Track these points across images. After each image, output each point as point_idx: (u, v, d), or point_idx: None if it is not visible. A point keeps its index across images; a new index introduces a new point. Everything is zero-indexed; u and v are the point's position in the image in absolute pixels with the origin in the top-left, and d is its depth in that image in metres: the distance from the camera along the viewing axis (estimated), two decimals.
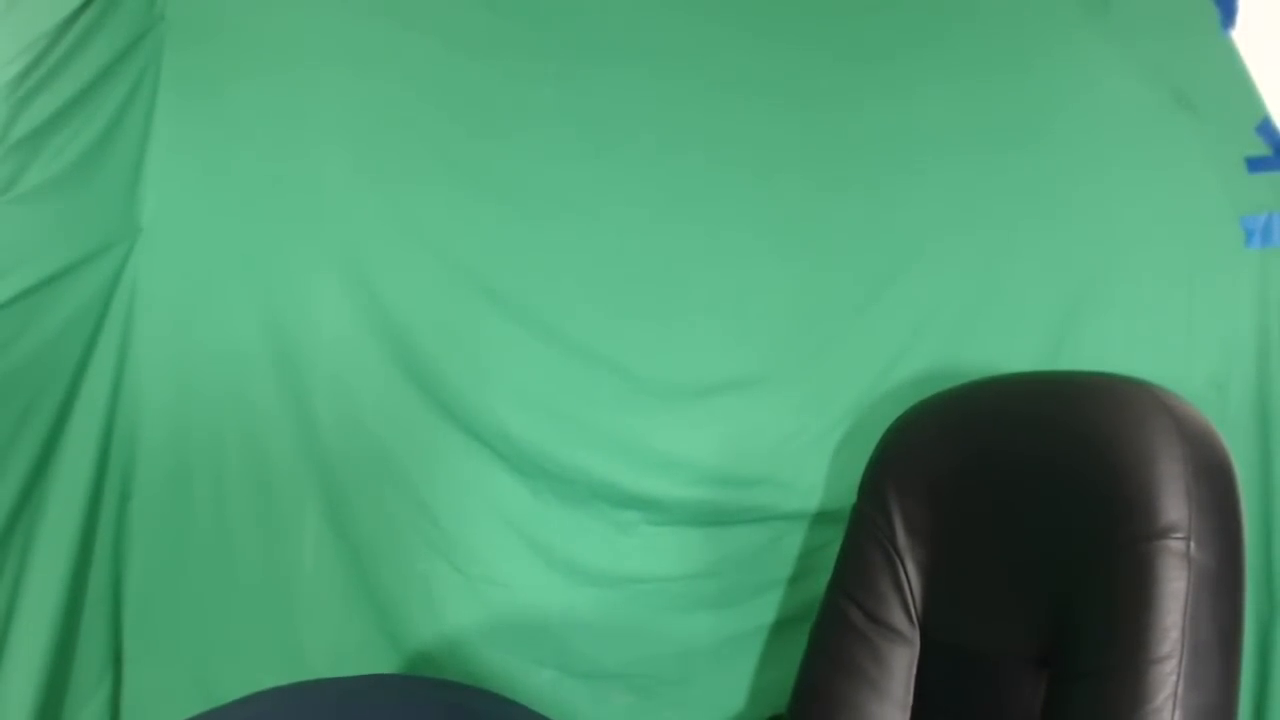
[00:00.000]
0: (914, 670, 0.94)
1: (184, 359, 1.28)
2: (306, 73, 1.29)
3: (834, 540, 1.17)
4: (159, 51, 1.28)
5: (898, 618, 0.96)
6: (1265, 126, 1.15)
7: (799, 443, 1.24)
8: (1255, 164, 1.15)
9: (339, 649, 1.25)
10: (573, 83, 1.29)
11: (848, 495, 1.12)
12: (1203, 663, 0.73)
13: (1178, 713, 0.71)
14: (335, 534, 1.26)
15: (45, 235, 1.16)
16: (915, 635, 0.95)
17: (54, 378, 1.19)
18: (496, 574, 1.25)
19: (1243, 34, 1.17)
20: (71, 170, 1.18)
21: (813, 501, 1.23)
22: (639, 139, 1.28)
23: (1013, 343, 1.19)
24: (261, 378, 1.27)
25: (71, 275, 1.19)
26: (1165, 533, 0.76)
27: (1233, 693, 0.74)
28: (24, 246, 1.14)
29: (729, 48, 1.28)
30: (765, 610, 1.25)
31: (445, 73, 1.29)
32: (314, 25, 1.29)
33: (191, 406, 1.28)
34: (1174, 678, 0.72)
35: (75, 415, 1.22)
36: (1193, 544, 0.76)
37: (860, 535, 1.02)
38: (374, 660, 1.25)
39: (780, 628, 1.24)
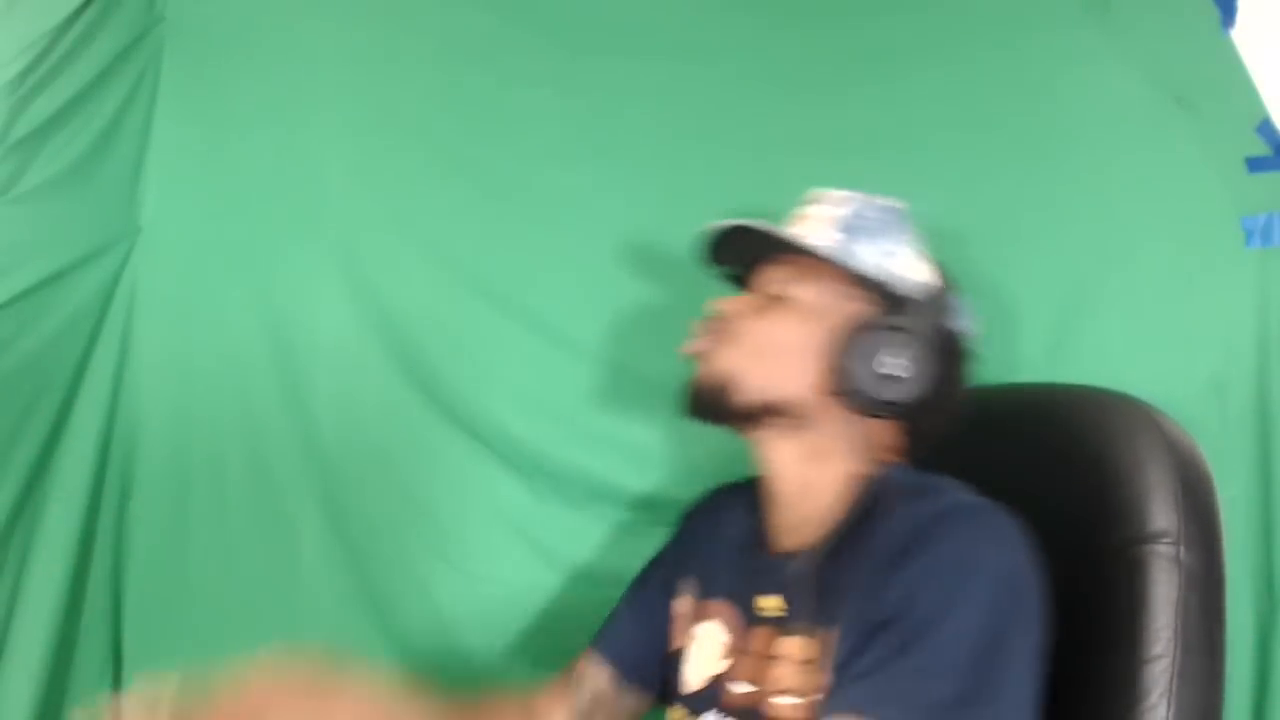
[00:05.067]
0: None
1: (184, 359, 1.28)
2: (306, 73, 1.29)
3: None
4: (159, 52, 1.28)
5: None
6: (1265, 126, 1.15)
7: None
8: (1255, 164, 1.15)
9: (339, 649, 1.25)
10: (572, 82, 1.29)
11: None
12: (1193, 660, 0.74)
13: (1171, 709, 0.72)
14: (335, 534, 1.26)
15: (45, 235, 1.17)
16: None
17: (54, 377, 1.20)
18: (496, 574, 1.25)
19: (1243, 33, 1.17)
20: (71, 170, 1.18)
21: None
22: (639, 139, 1.28)
23: (1012, 343, 1.19)
24: (261, 377, 1.28)
25: (71, 275, 1.19)
26: (1156, 538, 0.77)
27: (1220, 688, 0.75)
28: (24, 246, 1.14)
29: (729, 47, 1.27)
30: None
31: (444, 73, 1.29)
32: (314, 26, 1.29)
33: (191, 406, 1.28)
34: (1167, 676, 0.73)
35: (75, 415, 1.22)
36: (1182, 548, 0.77)
37: None
38: (374, 660, 1.24)
39: None
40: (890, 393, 0.82)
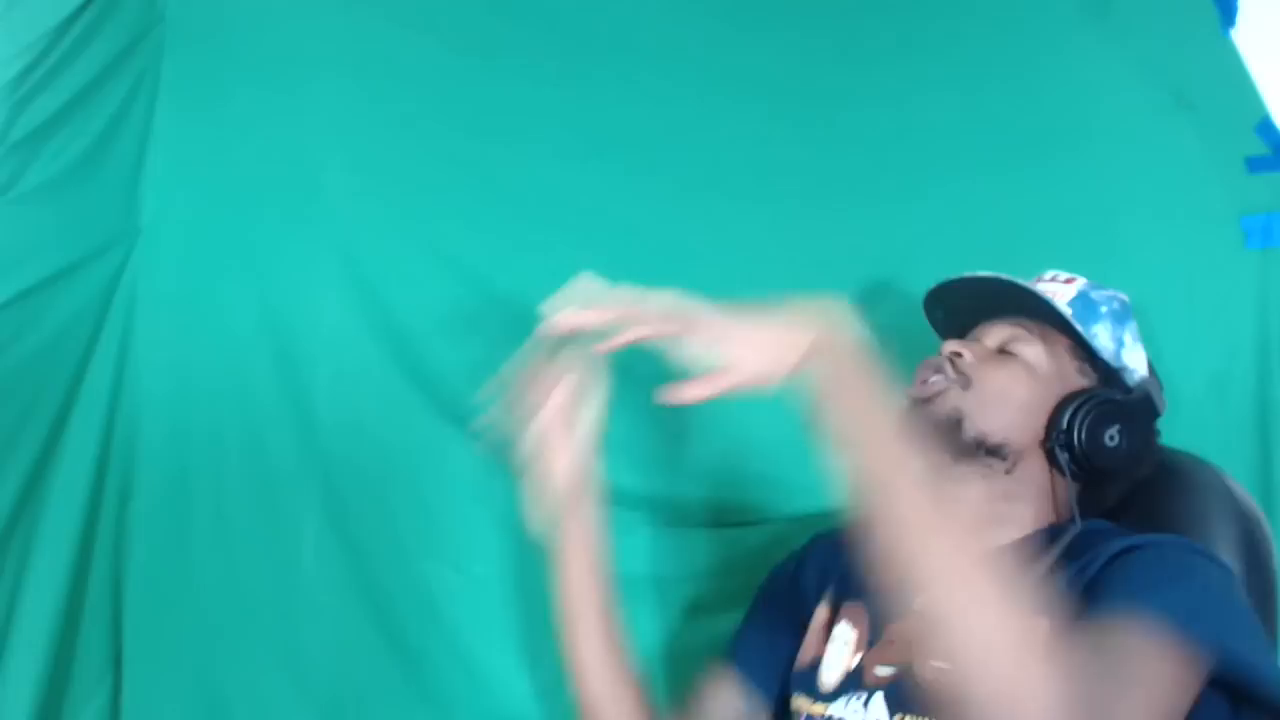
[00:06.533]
0: None
1: (184, 360, 1.27)
2: (306, 73, 1.29)
3: None
4: (159, 52, 1.28)
5: None
6: (1265, 126, 1.15)
7: (800, 442, 1.23)
8: (1255, 164, 1.15)
9: (339, 649, 1.25)
10: (572, 82, 1.29)
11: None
12: None
13: None
14: (335, 534, 1.26)
15: (45, 235, 1.16)
16: None
17: (54, 378, 1.19)
18: (496, 574, 1.24)
19: (1243, 34, 1.18)
20: (71, 171, 1.18)
21: (815, 502, 1.22)
22: (640, 139, 1.28)
23: None
24: (262, 378, 1.27)
25: (71, 276, 1.19)
26: None
27: None
28: (24, 246, 1.14)
29: (730, 47, 1.28)
30: None
31: (444, 72, 1.29)
32: (314, 26, 1.29)
33: (192, 407, 1.27)
34: None
35: (75, 416, 1.22)
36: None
37: None
38: (374, 660, 1.24)
39: None
40: (1102, 461, 0.90)
